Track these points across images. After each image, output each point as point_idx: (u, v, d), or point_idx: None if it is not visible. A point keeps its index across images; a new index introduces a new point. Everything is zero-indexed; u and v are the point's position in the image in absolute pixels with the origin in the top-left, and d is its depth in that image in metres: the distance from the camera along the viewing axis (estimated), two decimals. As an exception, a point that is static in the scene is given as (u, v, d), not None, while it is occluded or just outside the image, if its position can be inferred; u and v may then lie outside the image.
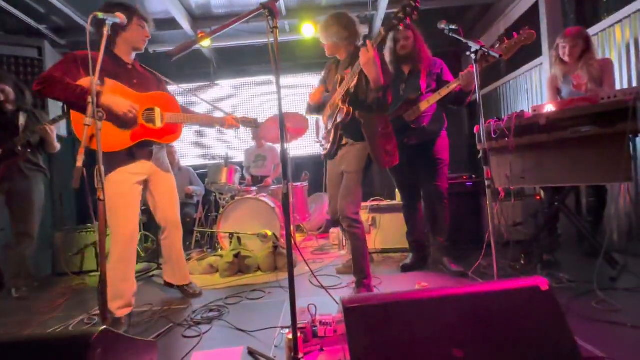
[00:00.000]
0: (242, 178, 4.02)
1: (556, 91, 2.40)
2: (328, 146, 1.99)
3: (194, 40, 1.35)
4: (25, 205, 2.40)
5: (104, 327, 0.83)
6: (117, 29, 1.64)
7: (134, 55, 1.82)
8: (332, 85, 1.98)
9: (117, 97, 1.59)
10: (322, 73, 2.16)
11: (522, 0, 3.53)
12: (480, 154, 2.36)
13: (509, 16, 3.83)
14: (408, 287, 2.02)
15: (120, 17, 1.41)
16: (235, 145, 5.06)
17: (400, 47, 2.23)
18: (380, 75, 1.65)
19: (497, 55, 1.60)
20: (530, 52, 3.41)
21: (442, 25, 1.92)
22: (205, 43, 4.01)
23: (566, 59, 2.25)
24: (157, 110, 1.74)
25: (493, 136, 2.19)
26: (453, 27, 1.88)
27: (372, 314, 0.89)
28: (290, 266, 1.06)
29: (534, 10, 3.37)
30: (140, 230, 3.24)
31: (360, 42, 1.88)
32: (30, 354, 0.69)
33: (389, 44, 2.27)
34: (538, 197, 2.86)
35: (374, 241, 2.96)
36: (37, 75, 3.49)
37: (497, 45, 1.80)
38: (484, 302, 0.91)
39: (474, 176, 2.96)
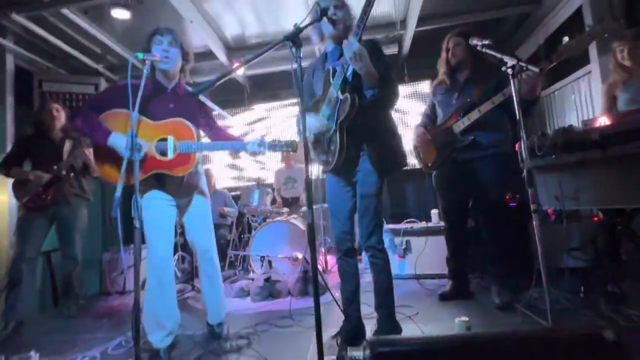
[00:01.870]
0: (274, 200, 4.08)
1: (612, 99, 2.17)
2: (332, 158, 1.56)
3: (227, 73, 1.39)
4: (68, 231, 2.53)
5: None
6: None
7: (175, 78, 1.78)
8: (321, 84, 1.65)
9: (123, 139, 1.56)
10: (304, 78, 1.75)
11: (563, 7, 3.32)
12: (523, 174, 2.18)
13: (549, 25, 3.61)
14: (447, 321, 1.86)
15: (157, 57, 1.52)
16: (270, 166, 5.11)
17: (450, 55, 2.10)
18: (372, 68, 1.40)
19: (536, 70, 1.48)
20: (577, 59, 3.17)
21: (473, 41, 1.85)
22: (239, 71, 4.23)
23: (626, 62, 2.03)
24: (170, 139, 1.65)
25: (538, 153, 2.02)
26: (485, 42, 1.81)
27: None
28: (317, 309, 1.01)
29: (577, 16, 3.15)
30: (176, 251, 3.38)
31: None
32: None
33: (442, 54, 2.15)
34: (596, 219, 2.55)
35: (408, 266, 2.81)
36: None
37: (563, 43, 1.60)
38: (534, 351, 0.79)
39: (517, 196, 2.73)
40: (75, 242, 2.54)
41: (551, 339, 0.79)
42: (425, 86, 4.69)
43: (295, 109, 5.12)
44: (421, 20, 3.57)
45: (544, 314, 1.65)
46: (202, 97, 1.81)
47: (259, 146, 1.70)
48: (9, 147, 3.27)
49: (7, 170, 2.39)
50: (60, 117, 2.55)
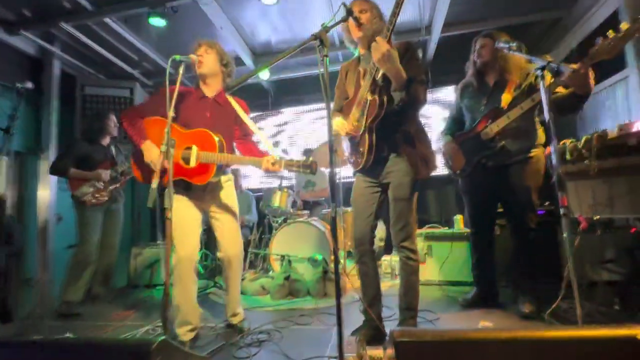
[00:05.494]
0: (294, 202, 4.13)
1: None
2: (361, 159, 1.62)
3: (248, 75, 1.44)
4: (115, 225, 2.85)
5: (164, 337, 0.89)
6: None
7: (218, 87, 1.88)
8: (353, 86, 1.70)
9: (152, 147, 1.69)
10: (338, 80, 1.84)
11: (597, 10, 3.21)
12: (553, 178, 2.11)
13: (582, 30, 3.49)
14: (470, 326, 1.81)
15: (192, 59, 1.61)
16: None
17: (476, 55, 2.06)
18: (400, 71, 1.42)
19: (570, 70, 1.45)
20: (612, 64, 3.04)
21: (500, 44, 1.82)
22: (264, 76, 4.35)
23: None
24: (194, 148, 1.72)
25: (568, 159, 1.95)
26: (513, 44, 1.77)
27: (427, 352, 0.81)
28: (338, 299, 1.03)
29: (613, 20, 3.03)
30: (200, 249, 3.49)
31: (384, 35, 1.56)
32: (97, 356, 0.77)
33: (470, 56, 2.12)
34: (634, 230, 2.41)
35: (429, 272, 2.76)
36: (127, 111, 4.12)
37: (599, 42, 1.49)
38: (564, 351, 0.77)
39: (547, 203, 2.64)
40: (119, 232, 2.90)
41: (582, 337, 0.77)
42: (448, 92, 4.63)
43: (320, 113, 5.19)
44: (447, 26, 3.55)
45: (574, 325, 1.58)
46: (242, 113, 1.89)
47: (273, 165, 1.67)
48: (53, 144, 3.55)
49: (66, 172, 2.59)
50: (115, 127, 2.86)
